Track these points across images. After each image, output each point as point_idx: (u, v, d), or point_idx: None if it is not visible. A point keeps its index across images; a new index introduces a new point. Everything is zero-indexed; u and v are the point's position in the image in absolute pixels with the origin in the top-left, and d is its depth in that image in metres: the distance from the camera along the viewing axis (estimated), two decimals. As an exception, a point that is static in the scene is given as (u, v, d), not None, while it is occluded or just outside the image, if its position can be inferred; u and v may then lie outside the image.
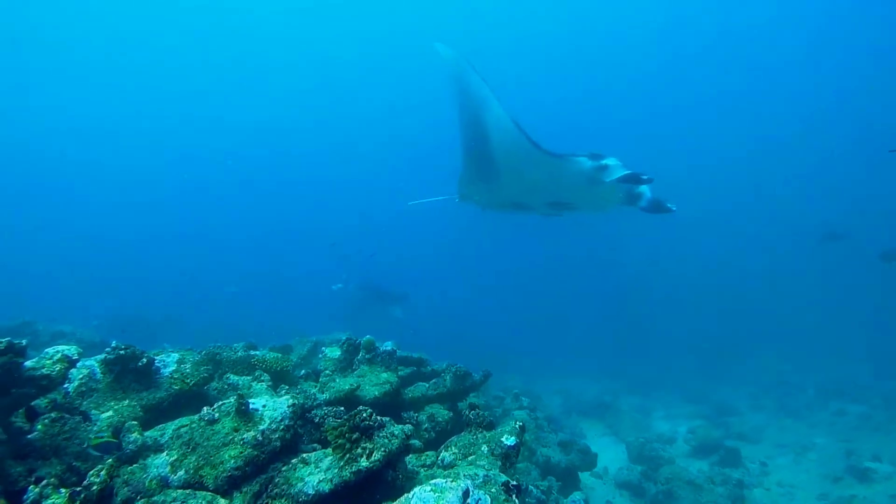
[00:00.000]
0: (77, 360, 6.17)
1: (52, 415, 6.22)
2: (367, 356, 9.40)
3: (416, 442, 7.43)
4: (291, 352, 12.30)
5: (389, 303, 35.53)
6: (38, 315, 19.69)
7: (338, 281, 33.89)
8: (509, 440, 6.00)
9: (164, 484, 5.73)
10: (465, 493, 4.49)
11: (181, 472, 5.75)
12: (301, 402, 6.68)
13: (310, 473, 5.70)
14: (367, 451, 5.48)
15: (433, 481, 4.67)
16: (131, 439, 6.38)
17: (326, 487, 5.43)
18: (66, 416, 6.34)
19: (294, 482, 5.66)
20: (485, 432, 6.40)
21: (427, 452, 7.04)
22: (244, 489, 5.71)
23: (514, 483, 5.17)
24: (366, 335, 9.52)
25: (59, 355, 5.94)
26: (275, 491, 5.68)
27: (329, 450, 5.96)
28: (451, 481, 4.59)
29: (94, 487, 4.29)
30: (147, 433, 6.62)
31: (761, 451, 15.85)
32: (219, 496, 5.40)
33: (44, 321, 19.39)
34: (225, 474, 5.67)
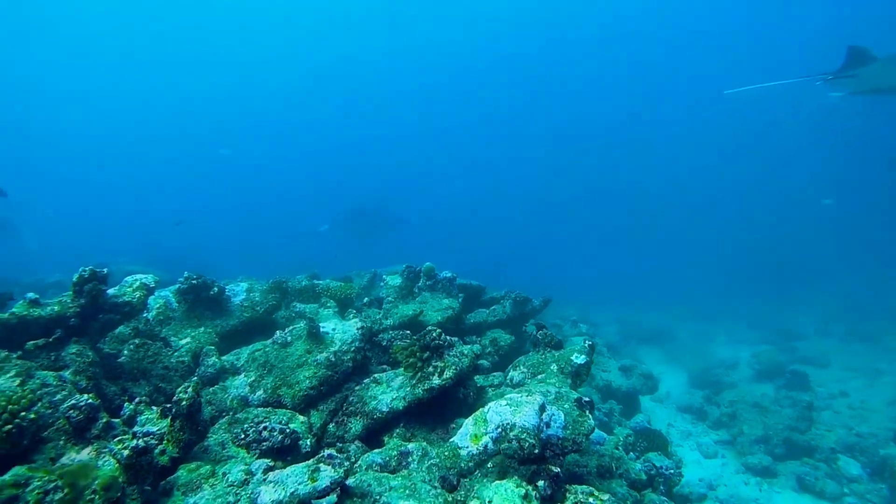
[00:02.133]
0: (154, 288, 6.39)
1: (136, 341, 6.53)
2: (427, 283, 9.44)
3: (484, 362, 7.49)
4: (352, 282, 12.53)
5: (388, 226, 35.90)
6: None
7: (322, 223, 34.32)
8: (579, 358, 5.93)
9: (245, 403, 5.98)
10: (542, 408, 4.47)
11: (260, 392, 5.97)
12: (368, 325, 6.77)
13: (382, 392, 5.83)
14: (439, 370, 5.52)
15: (508, 395, 4.67)
16: (210, 363, 6.65)
17: (400, 405, 5.54)
18: (149, 342, 6.64)
19: (368, 400, 5.80)
20: (553, 352, 6.35)
21: (494, 373, 7.09)
22: (320, 407, 5.89)
23: (587, 399, 5.13)
24: (425, 262, 9.54)
25: (137, 283, 6.16)
26: (350, 409, 5.85)
27: (400, 369, 6.06)
28: (527, 396, 4.57)
29: (184, 403, 4.48)
30: (224, 357, 6.89)
31: (830, 375, 15.42)
32: (297, 413, 5.58)
33: (116, 263, 20.49)
34: (301, 393, 5.85)
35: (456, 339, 6.05)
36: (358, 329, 6.45)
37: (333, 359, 6.08)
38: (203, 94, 65.71)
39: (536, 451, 4.05)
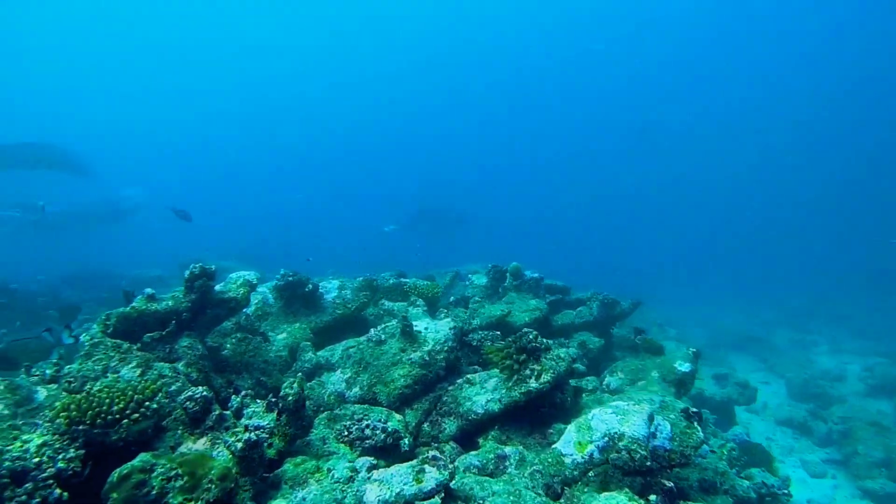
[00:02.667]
0: (257, 285, 6.62)
1: (238, 335, 6.80)
2: (514, 283, 9.32)
3: (579, 366, 7.29)
4: (434, 281, 12.60)
5: (451, 225, 35.89)
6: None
7: (389, 223, 34.55)
8: (683, 366, 5.65)
9: (342, 399, 6.09)
10: (651, 418, 4.26)
11: (356, 389, 6.06)
12: (460, 325, 6.74)
13: (476, 393, 5.77)
14: (536, 373, 5.40)
15: (613, 403, 4.49)
16: (306, 358, 6.83)
17: (496, 407, 5.46)
18: (249, 336, 6.91)
19: (462, 401, 5.76)
20: (654, 358, 6.09)
21: (587, 377, 6.89)
22: (414, 406, 5.91)
23: (695, 410, 4.86)
24: (512, 262, 9.42)
25: (241, 280, 6.40)
26: (443, 409, 5.83)
27: (494, 370, 5.99)
28: (635, 404, 4.38)
29: (290, 398, 4.60)
30: (319, 353, 7.06)
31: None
32: (393, 412, 5.61)
33: (222, 259, 21.62)
34: (396, 392, 5.89)
35: (552, 341, 5.90)
36: (451, 329, 6.43)
37: (427, 358, 6.08)
38: (288, 96, 68.17)
39: (649, 462, 3.86)
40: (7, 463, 3.48)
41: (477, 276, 9.65)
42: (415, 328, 6.52)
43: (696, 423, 4.71)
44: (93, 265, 22.17)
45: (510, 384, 5.50)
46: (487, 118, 70.03)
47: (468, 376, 6.11)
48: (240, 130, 69.11)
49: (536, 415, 5.62)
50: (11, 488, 3.43)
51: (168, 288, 18.52)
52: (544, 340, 5.71)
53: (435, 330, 6.49)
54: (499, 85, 66.53)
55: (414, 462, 4.11)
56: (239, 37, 61.69)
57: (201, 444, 4.48)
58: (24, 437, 4.07)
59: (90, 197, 27.58)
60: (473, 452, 5.11)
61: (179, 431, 4.54)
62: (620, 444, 4.02)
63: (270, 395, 5.24)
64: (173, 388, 5.03)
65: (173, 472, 3.88)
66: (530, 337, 5.55)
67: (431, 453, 4.08)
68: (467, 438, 5.62)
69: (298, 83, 68.57)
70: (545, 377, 5.35)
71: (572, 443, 4.33)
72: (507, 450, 4.99)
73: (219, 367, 6.03)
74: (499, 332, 7.28)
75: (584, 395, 6.25)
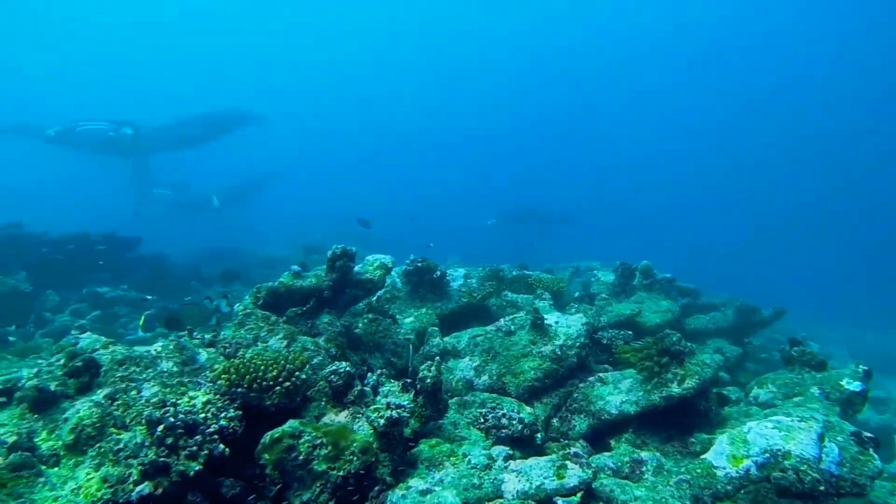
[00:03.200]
0: (391, 268, 6.79)
1: (370, 315, 7.01)
2: (644, 282, 8.90)
3: (724, 374, 6.85)
4: (554, 275, 12.37)
5: (554, 222, 34.91)
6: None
7: (490, 217, 33.79)
8: (852, 385, 5.09)
9: (469, 386, 6.10)
10: (820, 437, 3.86)
11: (485, 377, 6.04)
12: (592, 321, 6.52)
13: (609, 393, 5.56)
14: (679, 377, 5.10)
15: (775, 417, 4.12)
16: (434, 343, 6.92)
17: (631, 409, 5.23)
18: (380, 317, 7.10)
19: (594, 399, 5.57)
20: (813, 373, 5.54)
21: (728, 387, 6.43)
22: (544, 400, 5.80)
23: (869, 435, 4.35)
24: (642, 261, 9.01)
25: (377, 262, 6.59)
26: (574, 406, 5.67)
27: (628, 371, 5.74)
28: (800, 421, 3.99)
29: (429, 381, 4.66)
30: (445, 339, 7.13)
31: None
32: (523, 404, 5.53)
33: (339, 243, 22.62)
34: (526, 384, 5.80)
35: (695, 345, 5.54)
36: (583, 324, 6.24)
37: (559, 353, 5.94)
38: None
39: (821, 487, 3.49)
40: (182, 416, 3.78)
41: (603, 273, 9.33)
42: (545, 321, 6.40)
43: (871, 450, 4.22)
44: (227, 243, 23.96)
45: (649, 387, 5.23)
46: (596, 114, 67.91)
47: (600, 374, 5.90)
48: (353, 119, 71.10)
49: (676, 421, 5.31)
50: (185, 438, 3.73)
51: (290, 266, 19.49)
52: (688, 344, 5.38)
53: (566, 325, 6.32)
54: (611, 78, 64.24)
55: (554, 457, 4.01)
56: (344, 31, 63.74)
57: (343, 416, 4.64)
58: (191, 393, 4.41)
59: (231, 178, 29.78)
60: (607, 454, 4.91)
61: (323, 402, 4.73)
62: (786, 462, 3.67)
63: (406, 378, 5.34)
64: (315, 361, 5.26)
65: (318, 441, 4.04)
66: (673, 339, 5.24)
67: (573, 450, 3.96)
68: (597, 438, 5.44)
69: (407, 73, 69.73)
70: (689, 382, 5.03)
71: (725, 455, 4.02)
72: (644, 455, 4.75)
73: (353, 344, 6.24)
74: (631, 332, 6.97)
75: (728, 405, 5.84)
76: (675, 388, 5.06)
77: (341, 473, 3.93)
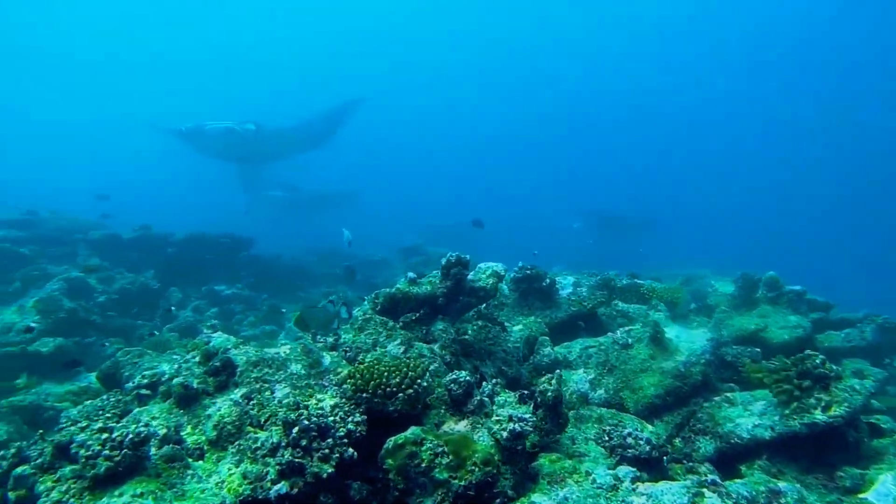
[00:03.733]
0: (504, 276, 6.73)
1: (479, 322, 6.98)
2: (769, 294, 8.30)
3: (875, 402, 6.23)
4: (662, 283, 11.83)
5: (636, 228, 33.36)
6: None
7: (575, 220, 33.52)
8: None
9: (584, 399, 5.92)
10: None
11: (601, 391, 5.85)
12: (718, 337, 6.14)
13: (739, 415, 5.20)
14: (823, 404, 4.68)
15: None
16: (545, 353, 6.79)
17: (766, 434, 4.86)
18: (489, 325, 7.06)
19: (721, 421, 5.24)
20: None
21: (878, 416, 5.83)
22: (665, 418, 5.54)
23: None
24: (768, 271, 8.40)
25: (490, 270, 6.55)
26: (698, 426, 5.36)
27: (759, 392, 5.36)
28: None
29: (549, 394, 4.56)
30: (555, 349, 6.99)
31: None
32: (644, 421, 5.30)
33: (431, 245, 22.97)
34: (646, 400, 5.56)
35: (841, 368, 5.07)
36: (708, 340, 5.91)
37: (682, 369, 5.65)
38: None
39: None
40: (314, 418, 3.91)
41: (722, 284, 8.79)
42: (665, 335, 6.10)
43: None
44: (330, 243, 24.88)
45: (787, 412, 4.84)
46: (684, 120, 64.85)
47: (727, 395, 5.55)
48: (441, 122, 71.43)
49: (815, 451, 4.88)
50: (318, 441, 3.86)
51: (389, 268, 19.95)
52: (833, 367, 4.93)
53: (689, 339, 6.00)
54: (699, 81, 61.05)
55: (688, 482, 3.79)
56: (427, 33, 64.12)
57: (463, 425, 4.63)
58: (318, 395, 4.58)
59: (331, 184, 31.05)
60: (739, 481, 4.57)
61: (442, 410, 4.75)
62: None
63: (523, 390, 5.27)
64: (431, 367, 5.30)
65: (440, 449, 4.05)
66: (817, 361, 4.82)
67: (710, 477, 3.71)
68: (725, 462, 5.10)
69: (491, 76, 69.09)
70: (837, 410, 4.60)
71: (891, 497, 3.62)
72: (782, 485, 4.38)
73: (465, 351, 6.23)
74: (758, 350, 6.50)
75: (881, 437, 5.30)
76: (820, 416, 4.65)
77: (462, 483, 3.92)
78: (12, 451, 4.29)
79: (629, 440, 4.54)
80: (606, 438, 4.63)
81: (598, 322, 8.07)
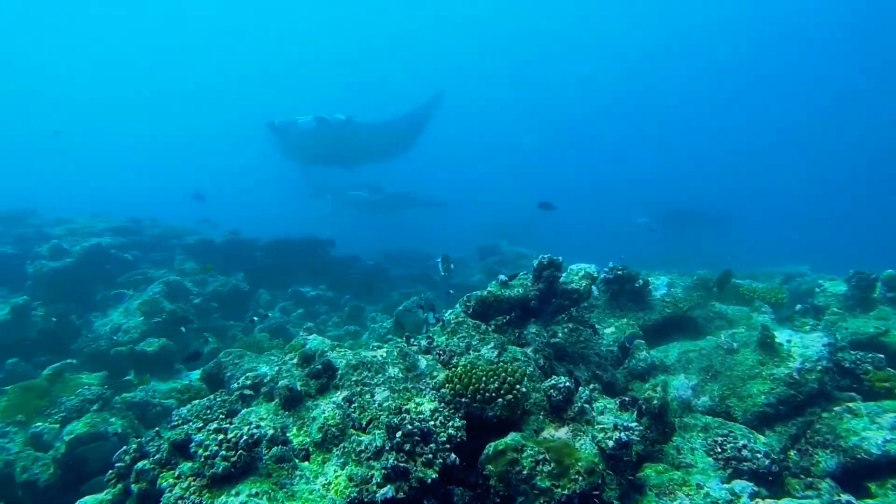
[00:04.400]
0: (597, 278, 6.52)
1: (570, 325, 6.80)
2: (888, 295, 7.64)
3: None
4: (758, 281, 11.14)
5: (707, 226, 31.49)
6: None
7: (642, 215, 32.27)
8: None
9: (686, 406, 5.64)
10: None
11: (705, 398, 5.55)
12: (835, 342, 5.69)
13: (865, 428, 4.78)
14: (970, 418, 4.21)
15: None
16: (641, 357, 6.52)
17: (899, 450, 4.44)
18: (580, 327, 6.86)
19: (843, 434, 4.83)
20: None
21: None
22: (777, 428, 5.17)
23: None
24: (887, 270, 7.72)
25: (583, 272, 6.37)
26: (816, 438, 4.97)
27: (888, 403, 4.92)
28: None
29: (655, 402, 4.37)
30: (651, 352, 6.70)
31: None
32: (754, 432, 4.97)
33: (507, 244, 22.82)
34: (755, 409, 5.22)
35: None
36: (825, 346, 5.47)
37: (797, 377, 5.26)
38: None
39: None
40: (416, 423, 3.90)
41: (832, 284, 8.15)
42: (776, 339, 5.71)
43: None
44: (408, 245, 25.10)
45: (925, 425, 4.39)
46: (757, 116, 61.22)
47: (849, 405, 5.11)
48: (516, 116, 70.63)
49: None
50: (420, 445, 3.84)
51: (466, 268, 19.90)
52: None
53: (802, 345, 5.58)
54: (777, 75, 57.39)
55: (819, 501, 3.49)
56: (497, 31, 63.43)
57: (563, 432, 4.50)
58: (416, 399, 4.57)
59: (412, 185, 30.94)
60: (870, 501, 4.22)
61: (541, 416, 4.64)
62: None
63: (622, 396, 5.07)
64: (528, 370, 5.19)
65: (541, 457, 3.94)
66: (960, 370, 4.35)
67: (845, 497, 3.40)
68: (849, 478, 4.70)
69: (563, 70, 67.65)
70: None
71: None
72: (922, 507, 3.99)
73: (558, 355, 6.08)
74: (882, 356, 5.97)
75: None
76: (965, 430, 4.19)
77: (565, 492, 3.79)
78: (134, 446, 4.52)
79: (744, 452, 4.26)
80: (719, 450, 4.36)
81: (694, 324, 7.69)
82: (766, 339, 5.58)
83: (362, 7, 61.22)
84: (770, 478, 4.21)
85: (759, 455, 4.22)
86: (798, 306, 8.05)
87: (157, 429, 4.86)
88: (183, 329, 8.43)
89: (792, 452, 5.01)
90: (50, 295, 11.52)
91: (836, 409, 5.13)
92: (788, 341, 5.68)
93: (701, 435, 4.83)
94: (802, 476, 4.79)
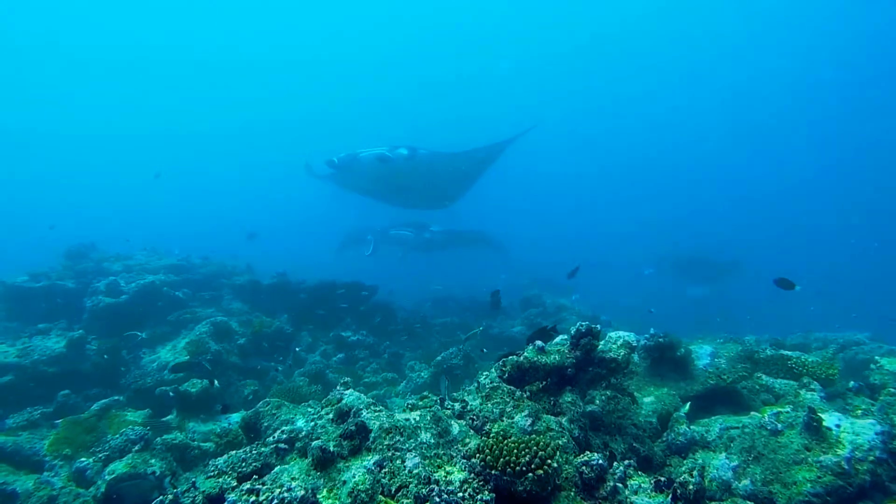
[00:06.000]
0: (636, 347, 6.42)
1: (608, 393, 6.68)
2: (953, 375, 7.23)
3: None
4: (810, 351, 10.67)
5: (717, 276, 30.30)
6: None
7: (648, 267, 31.41)
8: None
9: (726, 488, 5.42)
10: None
11: (746, 482, 5.33)
12: (891, 430, 5.41)
13: (921, 528, 4.50)
14: None
15: None
16: (681, 431, 6.33)
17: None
18: (618, 395, 6.73)
19: (899, 533, 4.56)
20: None
21: None
22: (826, 521, 4.91)
23: None
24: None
25: (621, 340, 6.29)
26: (871, 536, 4.71)
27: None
28: None
29: (691, 487, 4.23)
30: (692, 427, 6.50)
31: None
32: (798, 522, 4.75)
33: (549, 295, 22.60)
34: (801, 497, 4.98)
35: None
36: (878, 434, 5.21)
37: (846, 466, 5.01)
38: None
39: None
40: (445, 494, 3.90)
41: (889, 361, 7.77)
42: (823, 423, 5.47)
43: None
44: (450, 291, 24.85)
45: None
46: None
47: (908, 501, 4.83)
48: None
49: None
50: (447, 520, 3.83)
51: (508, 319, 19.67)
52: None
53: (852, 431, 5.33)
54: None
55: None
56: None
57: (593, 513, 4.41)
58: (447, 468, 4.57)
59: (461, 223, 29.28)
60: None
61: (572, 493, 4.55)
62: None
63: (658, 474, 4.93)
64: (560, 442, 5.12)
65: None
66: None
67: None
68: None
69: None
70: None
71: None
72: None
73: (594, 425, 5.97)
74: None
75: None
76: None
77: (595, 578, 3.70)
78: (170, 496, 4.65)
79: (787, 550, 4.06)
80: (758, 544, 4.18)
81: (738, 397, 7.44)
82: (812, 422, 5.36)
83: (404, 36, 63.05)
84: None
85: (801, 554, 4.02)
86: (851, 383, 7.67)
87: (193, 480, 4.99)
88: (215, 383, 8.65)
89: (840, 548, 4.75)
90: (104, 329, 12.03)
91: (890, 504, 4.85)
92: (838, 426, 5.44)
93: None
94: (852, 575, 4.53)
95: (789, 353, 8.11)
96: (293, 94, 68.33)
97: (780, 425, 5.64)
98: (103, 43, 59.24)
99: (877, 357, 8.11)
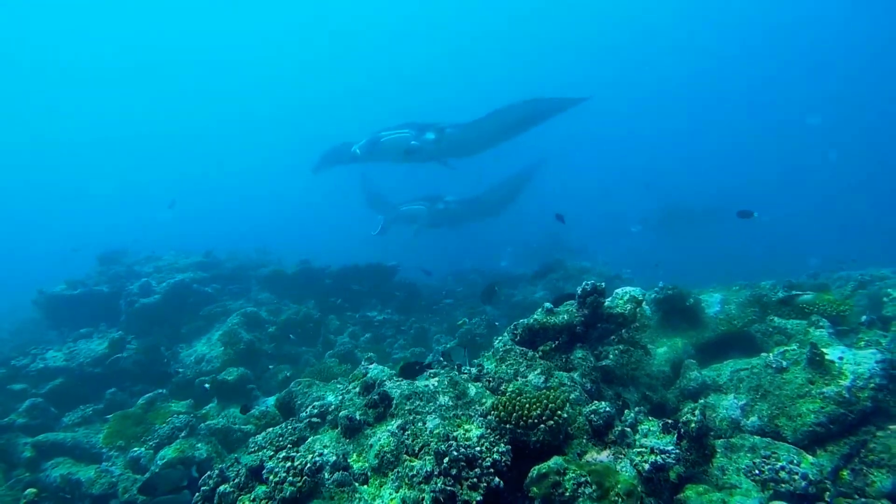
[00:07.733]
0: (642, 301, 6.65)
1: (621, 346, 6.94)
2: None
3: None
4: (828, 291, 10.70)
5: (701, 220, 30.15)
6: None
7: (635, 224, 31.24)
8: None
9: (735, 426, 5.69)
10: None
11: (754, 418, 5.59)
12: (891, 358, 5.59)
13: (922, 446, 4.73)
14: None
15: None
16: (692, 377, 6.60)
17: (956, 470, 4.38)
18: (632, 348, 6.98)
19: (899, 453, 4.79)
20: None
21: None
22: (829, 448, 5.16)
23: None
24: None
25: (627, 296, 6.53)
26: (871, 458, 4.94)
27: (946, 423, 4.83)
28: None
29: (693, 425, 4.51)
30: (704, 371, 6.75)
31: None
32: (802, 451, 4.99)
33: (570, 259, 22.72)
34: (805, 428, 5.23)
35: None
36: (878, 363, 5.40)
37: (847, 395, 5.24)
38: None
39: None
40: (463, 449, 4.25)
41: (899, 292, 7.86)
42: (826, 357, 5.68)
43: None
44: (469, 261, 24.89)
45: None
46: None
47: (907, 423, 5.05)
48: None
49: None
50: (466, 470, 4.18)
51: (529, 286, 19.91)
52: None
53: (854, 361, 5.53)
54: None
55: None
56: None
57: (605, 455, 4.72)
58: (465, 426, 4.92)
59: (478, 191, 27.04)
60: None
61: (584, 440, 4.87)
62: None
63: (667, 418, 5.22)
64: (572, 396, 5.42)
65: (583, 479, 4.18)
66: None
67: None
68: (910, 500, 4.65)
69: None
70: None
71: None
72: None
73: (606, 378, 6.26)
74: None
75: None
76: None
77: (607, 514, 4.02)
78: (216, 471, 5.08)
79: (783, 475, 4.34)
80: (757, 472, 4.46)
81: (752, 340, 7.63)
82: (815, 357, 5.58)
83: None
84: (807, 500, 4.27)
85: (796, 477, 4.29)
86: (864, 317, 7.80)
87: (235, 456, 5.43)
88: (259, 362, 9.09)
89: (845, 472, 4.99)
90: (142, 328, 12.64)
91: (893, 427, 5.08)
92: (840, 358, 5.64)
93: (749, 455, 4.91)
94: (856, 496, 4.78)
95: (799, 293, 8.23)
96: (303, 84, 68.56)
97: (785, 363, 5.86)
98: (106, 50, 60.12)
99: (889, 290, 8.20)
